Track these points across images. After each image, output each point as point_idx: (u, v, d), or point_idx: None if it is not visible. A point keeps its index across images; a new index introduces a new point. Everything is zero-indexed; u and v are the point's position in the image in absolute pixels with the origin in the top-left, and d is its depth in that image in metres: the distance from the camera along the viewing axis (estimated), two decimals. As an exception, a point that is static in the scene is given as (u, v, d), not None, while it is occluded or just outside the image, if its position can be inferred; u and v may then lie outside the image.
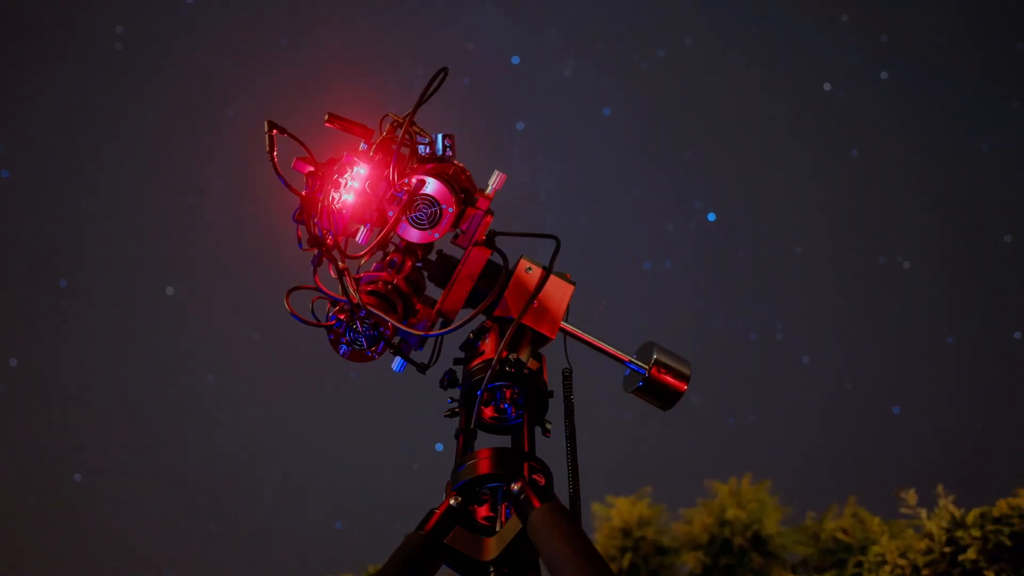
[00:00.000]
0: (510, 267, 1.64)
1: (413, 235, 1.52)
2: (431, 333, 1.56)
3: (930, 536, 9.35)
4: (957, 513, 9.28)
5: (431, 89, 1.55)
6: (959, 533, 8.83)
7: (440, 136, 1.59)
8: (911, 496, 9.83)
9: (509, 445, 1.53)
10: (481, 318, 1.67)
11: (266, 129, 1.45)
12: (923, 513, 9.87)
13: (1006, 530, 8.57)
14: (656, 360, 1.66)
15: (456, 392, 1.59)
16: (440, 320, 1.66)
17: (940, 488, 9.86)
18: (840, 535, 10.87)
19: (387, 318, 1.50)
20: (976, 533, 8.66)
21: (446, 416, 1.56)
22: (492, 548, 1.28)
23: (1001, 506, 10.08)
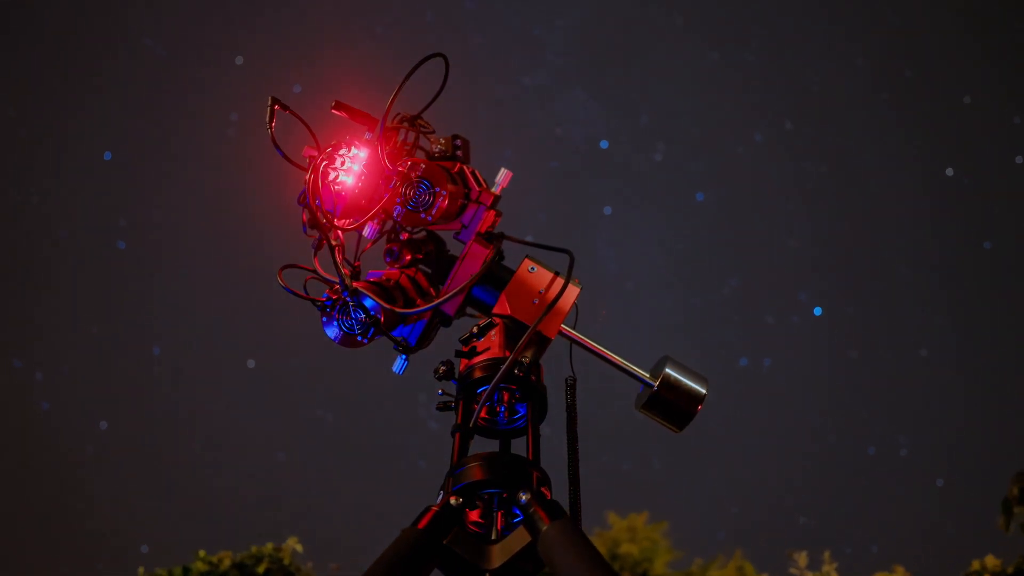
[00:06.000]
0: (513, 267, 1.61)
1: (404, 216, 1.52)
2: (399, 310, 1.51)
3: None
4: (838, 580, 9.65)
5: (441, 83, 1.56)
6: (836, 599, 9.26)
7: (451, 136, 1.61)
8: (803, 558, 10.29)
9: (497, 449, 1.52)
10: (479, 316, 1.64)
11: (268, 103, 1.44)
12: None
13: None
14: (666, 375, 1.57)
15: (449, 385, 1.53)
16: (437, 318, 1.64)
17: (827, 555, 10.23)
18: (721, 585, 11.10)
19: (371, 296, 1.48)
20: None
21: (438, 409, 1.52)
22: (495, 556, 1.23)
23: (877, 579, 10.18)
